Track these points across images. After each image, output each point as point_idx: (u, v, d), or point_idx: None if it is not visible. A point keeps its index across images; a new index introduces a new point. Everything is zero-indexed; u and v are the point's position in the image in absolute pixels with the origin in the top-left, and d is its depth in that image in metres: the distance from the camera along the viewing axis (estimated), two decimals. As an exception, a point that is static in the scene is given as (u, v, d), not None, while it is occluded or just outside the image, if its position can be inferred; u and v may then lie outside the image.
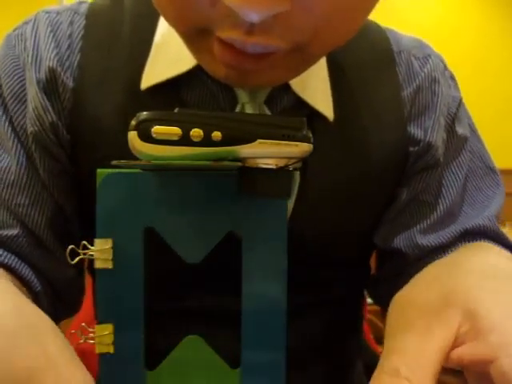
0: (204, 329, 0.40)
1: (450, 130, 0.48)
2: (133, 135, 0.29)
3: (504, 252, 0.42)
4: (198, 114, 0.30)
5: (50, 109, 0.41)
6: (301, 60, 0.36)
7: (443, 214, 0.46)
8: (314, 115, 0.43)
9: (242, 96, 0.42)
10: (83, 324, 0.35)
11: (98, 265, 0.35)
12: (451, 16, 3.25)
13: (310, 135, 0.31)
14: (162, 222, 0.36)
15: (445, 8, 3.25)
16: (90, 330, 0.35)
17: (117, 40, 0.42)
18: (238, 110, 0.42)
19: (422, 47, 0.50)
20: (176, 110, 0.30)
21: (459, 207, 0.47)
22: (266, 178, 0.32)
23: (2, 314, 0.29)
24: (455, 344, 0.27)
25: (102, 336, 0.35)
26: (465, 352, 0.26)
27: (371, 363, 0.64)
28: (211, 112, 0.30)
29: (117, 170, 0.35)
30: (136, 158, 0.31)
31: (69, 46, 0.42)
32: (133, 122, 0.29)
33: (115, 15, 0.43)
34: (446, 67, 0.50)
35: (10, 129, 0.42)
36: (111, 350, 0.35)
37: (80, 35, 0.43)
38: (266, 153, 0.30)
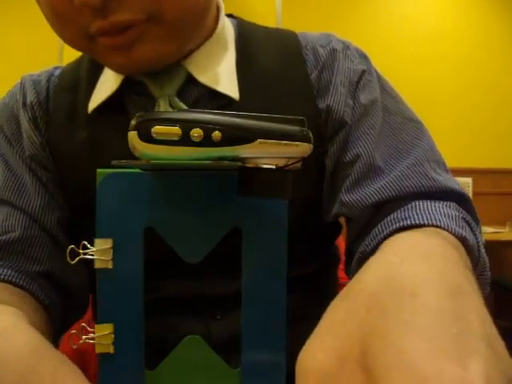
0: (182, 316, 0.44)
1: (354, 96, 0.54)
2: (133, 135, 0.29)
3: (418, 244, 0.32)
4: (197, 113, 0.30)
5: (37, 134, 0.54)
6: (165, 31, 0.45)
7: (363, 169, 0.50)
8: (226, 101, 0.50)
9: (156, 93, 0.50)
10: (83, 324, 0.35)
11: (97, 265, 0.35)
12: (452, 14, 3.25)
13: (310, 135, 0.31)
14: (162, 221, 0.36)
15: (446, 6, 3.25)
16: (90, 329, 0.35)
17: (78, 90, 0.55)
18: (156, 107, 0.49)
19: (326, 37, 0.58)
20: (176, 110, 0.30)
21: (382, 161, 0.50)
22: (266, 178, 0.32)
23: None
24: None
25: (102, 336, 0.35)
26: None
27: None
28: (211, 112, 0.30)
29: (117, 170, 0.35)
30: (136, 158, 0.31)
31: (46, 95, 0.56)
32: (133, 122, 0.29)
33: (77, 72, 0.57)
34: (348, 47, 0.57)
35: (17, 156, 0.54)
36: (111, 349, 0.35)
37: (53, 89, 0.56)
38: (265, 153, 0.30)
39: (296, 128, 0.30)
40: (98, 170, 0.35)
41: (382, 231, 0.45)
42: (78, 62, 0.59)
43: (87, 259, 0.35)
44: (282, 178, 0.32)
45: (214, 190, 0.36)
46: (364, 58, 0.57)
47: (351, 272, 0.50)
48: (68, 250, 0.35)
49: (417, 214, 0.43)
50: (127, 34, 0.44)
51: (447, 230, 0.40)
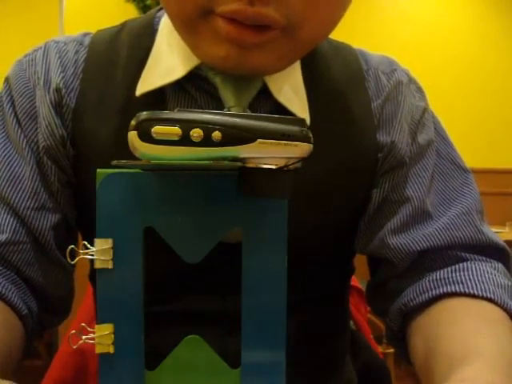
0: (202, 329, 0.40)
1: (414, 135, 0.52)
2: (133, 135, 0.29)
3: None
4: (198, 113, 0.30)
5: (60, 124, 0.47)
6: (290, 47, 0.42)
7: (412, 213, 0.49)
8: None
9: (229, 100, 0.44)
10: (83, 324, 0.35)
11: (97, 265, 0.35)
12: (449, 14, 3.26)
13: (310, 135, 0.31)
14: (162, 221, 0.36)
15: (443, 6, 3.25)
16: (90, 329, 0.35)
17: (114, 66, 0.47)
18: None
19: (388, 63, 0.54)
20: (176, 110, 0.30)
21: (431, 206, 0.49)
22: (266, 178, 0.32)
23: None
24: None
25: (102, 336, 0.35)
26: None
27: (371, 363, 0.64)
28: (211, 112, 0.30)
29: (117, 170, 0.35)
30: (136, 158, 0.31)
31: (73, 71, 0.48)
32: (133, 122, 0.29)
33: (113, 47, 0.48)
34: (410, 80, 0.55)
35: (24, 141, 0.47)
36: (111, 349, 0.35)
37: (83, 65, 0.48)
38: (265, 153, 0.30)
39: (296, 128, 0.30)
40: (98, 170, 0.35)
41: (431, 290, 0.45)
42: (114, 34, 0.50)
43: (87, 259, 0.35)
44: (282, 177, 0.32)
45: (214, 189, 0.36)
46: (422, 92, 0.55)
47: (390, 317, 0.49)
48: (68, 250, 0.35)
49: (470, 281, 0.44)
50: (259, 35, 0.39)
51: (500, 305, 0.42)
